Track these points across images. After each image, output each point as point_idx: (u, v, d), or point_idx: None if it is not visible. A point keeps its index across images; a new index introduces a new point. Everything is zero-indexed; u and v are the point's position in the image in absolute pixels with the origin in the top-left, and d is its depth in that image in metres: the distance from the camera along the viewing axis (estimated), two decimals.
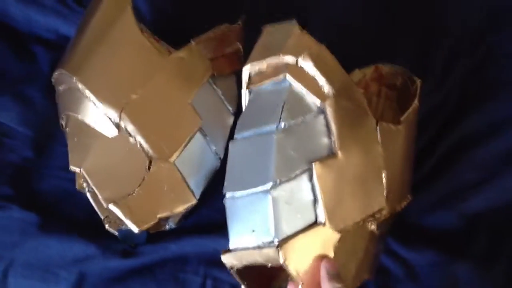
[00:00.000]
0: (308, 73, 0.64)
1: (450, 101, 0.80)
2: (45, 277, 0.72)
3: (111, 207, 0.67)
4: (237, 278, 0.63)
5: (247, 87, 0.67)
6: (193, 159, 0.71)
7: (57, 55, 0.79)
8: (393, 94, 0.78)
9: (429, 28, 0.85)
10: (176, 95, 0.70)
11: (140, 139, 0.68)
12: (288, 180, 0.60)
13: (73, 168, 0.69)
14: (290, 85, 0.64)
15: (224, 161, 0.73)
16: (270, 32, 0.69)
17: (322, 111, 0.63)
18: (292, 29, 0.67)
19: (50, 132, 0.79)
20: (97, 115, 0.68)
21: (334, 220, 0.61)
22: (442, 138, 0.78)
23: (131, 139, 0.68)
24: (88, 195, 0.72)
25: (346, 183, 0.63)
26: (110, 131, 0.68)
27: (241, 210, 0.62)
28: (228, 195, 0.63)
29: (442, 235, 0.74)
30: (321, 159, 0.61)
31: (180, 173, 0.69)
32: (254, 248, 0.60)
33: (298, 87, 0.64)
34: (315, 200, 0.61)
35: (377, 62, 0.77)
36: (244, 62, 0.73)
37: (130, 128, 0.67)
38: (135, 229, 0.67)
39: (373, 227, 0.65)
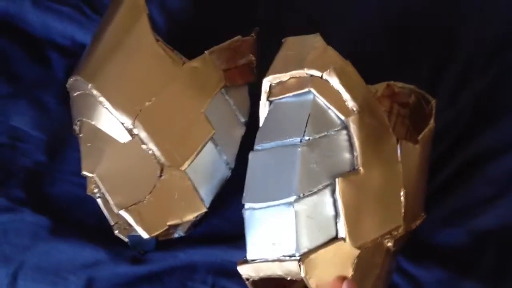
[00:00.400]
0: (332, 87, 0.64)
1: (463, 118, 0.81)
2: (55, 281, 0.72)
3: (122, 213, 0.67)
4: None
5: (268, 98, 0.67)
6: (204, 168, 0.71)
7: (72, 61, 0.81)
8: (405, 111, 0.78)
9: (444, 42, 0.86)
10: (189, 104, 0.70)
11: (152, 146, 0.68)
12: (311, 194, 0.60)
13: (85, 173, 0.70)
14: (314, 98, 0.64)
15: (234, 171, 0.74)
16: (292, 44, 0.69)
17: (345, 126, 0.63)
18: (316, 43, 0.67)
19: (63, 137, 0.80)
20: (111, 121, 0.69)
21: (354, 236, 0.61)
22: (454, 154, 0.78)
23: (143, 146, 0.68)
24: (99, 201, 0.72)
25: (366, 199, 0.63)
26: (123, 138, 0.68)
27: (261, 221, 0.62)
28: (247, 205, 0.63)
29: (451, 252, 0.74)
30: (344, 175, 0.62)
31: (191, 181, 0.70)
32: (274, 260, 0.60)
33: (322, 101, 0.64)
34: (336, 215, 0.61)
35: (390, 77, 0.77)
36: (257, 74, 0.75)
37: (143, 135, 0.68)
38: (145, 236, 0.68)
39: (389, 244, 0.66)
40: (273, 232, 0.61)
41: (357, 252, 0.61)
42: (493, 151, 0.78)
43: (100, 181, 0.69)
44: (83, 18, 0.86)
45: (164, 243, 0.75)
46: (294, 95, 0.65)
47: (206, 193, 0.72)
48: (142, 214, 0.67)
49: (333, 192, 0.61)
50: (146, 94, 0.69)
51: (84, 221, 0.76)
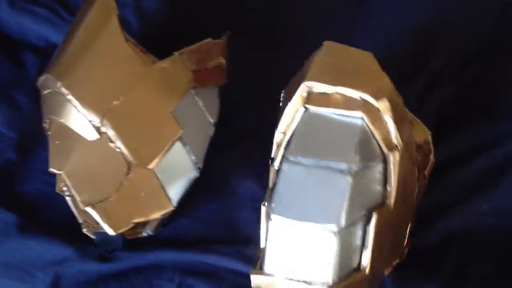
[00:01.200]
0: (382, 118, 0.62)
1: (428, 125, 0.82)
2: (22, 277, 0.73)
3: (88, 209, 0.68)
4: None
5: (305, 104, 0.63)
6: (172, 168, 0.72)
7: (46, 61, 0.81)
8: None
9: (414, 52, 0.87)
10: (157, 103, 0.71)
11: (120, 144, 0.69)
12: (350, 224, 0.60)
13: (53, 170, 0.70)
14: (364, 125, 0.61)
15: (203, 171, 0.75)
16: (336, 53, 0.66)
17: (384, 159, 0.62)
18: (371, 64, 0.65)
19: (34, 136, 0.80)
20: (79, 119, 0.69)
21: (374, 267, 0.62)
22: None
23: (111, 145, 0.69)
24: (68, 199, 0.73)
25: (389, 233, 0.64)
26: (92, 136, 0.69)
27: (292, 239, 0.61)
28: (277, 218, 0.61)
29: (414, 254, 0.75)
30: (379, 208, 0.62)
31: (159, 180, 0.70)
32: (300, 281, 0.61)
33: (370, 129, 0.61)
34: (362, 246, 0.62)
35: None
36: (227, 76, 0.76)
37: (111, 133, 0.69)
38: (110, 232, 0.68)
39: (387, 272, 0.68)
40: (304, 253, 0.61)
41: (370, 280, 0.63)
42: (458, 158, 0.80)
43: (67, 178, 0.69)
44: (58, 20, 0.88)
45: (132, 242, 0.75)
46: (340, 114, 0.62)
47: (174, 192, 0.72)
48: (108, 211, 0.68)
49: (365, 224, 0.61)
50: (115, 93, 0.70)
51: (53, 219, 0.77)
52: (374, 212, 0.61)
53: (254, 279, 0.62)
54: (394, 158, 0.62)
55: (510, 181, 0.79)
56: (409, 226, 0.69)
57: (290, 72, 0.82)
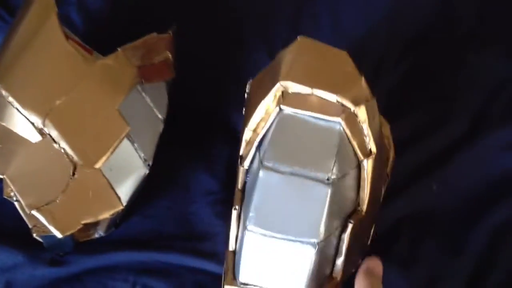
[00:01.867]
0: (358, 123, 0.61)
1: None
2: None
3: (34, 213, 0.67)
4: None
5: (279, 103, 0.61)
6: (120, 166, 0.71)
7: None
8: None
9: (356, 40, 0.87)
10: (102, 101, 0.70)
11: (64, 145, 0.67)
12: (328, 235, 0.60)
13: None
14: (342, 131, 0.60)
15: (153, 168, 0.74)
16: (311, 50, 0.64)
17: (358, 165, 0.61)
18: (346, 65, 0.63)
19: None
20: (21, 122, 0.68)
21: (345, 272, 0.63)
22: None
23: (55, 146, 0.68)
24: (16, 204, 0.71)
25: (358, 237, 0.64)
26: (35, 138, 0.68)
27: (268, 250, 0.61)
28: (254, 229, 0.60)
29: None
30: (353, 216, 0.62)
31: (106, 179, 0.69)
32: None
33: (348, 135, 0.60)
34: (336, 255, 0.62)
35: None
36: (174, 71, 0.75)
37: (54, 134, 0.67)
38: (58, 235, 0.67)
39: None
40: (281, 265, 0.61)
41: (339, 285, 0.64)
42: (401, 145, 0.79)
43: (11, 182, 0.67)
44: (1, 23, 0.85)
45: (84, 244, 0.74)
46: (317, 118, 0.60)
47: (123, 191, 0.71)
48: (54, 213, 0.66)
49: (340, 232, 0.61)
50: (57, 92, 0.68)
51: (1, 225, 0.75)
52: (349, 221, 0.61)
53: None
54: (368, 165, 0.61)
55: (458, 160, 0.80)
56: (373, 225, 0.69)
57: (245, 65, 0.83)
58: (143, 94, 0.74)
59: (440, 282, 0.74)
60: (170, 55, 0.76)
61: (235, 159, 0.79)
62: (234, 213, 0.64)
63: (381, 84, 0.84)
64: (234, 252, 0.66)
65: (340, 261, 0.62)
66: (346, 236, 0.61)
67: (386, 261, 0.72)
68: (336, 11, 0.89)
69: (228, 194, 0.77)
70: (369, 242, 0.71)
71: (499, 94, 0.84)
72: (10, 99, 0.68)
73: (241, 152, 0.65)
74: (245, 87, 0.72)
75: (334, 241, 0.61)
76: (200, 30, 0.86)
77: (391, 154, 0.72)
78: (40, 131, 0.67)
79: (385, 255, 0.72)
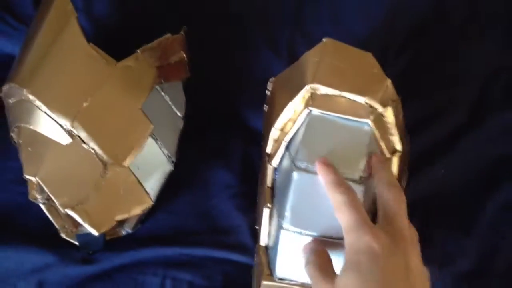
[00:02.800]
0: (386, 123, 0.62)
1: None
2: None
3: (69, 212, 0.68)
4: None
5: (308, 105, 0.62)
6: (146, 163, 0.73)
7: (2, 73, 0.80)
8: None
9: (357, 35, 0.90)
10: (125, 101, 0.72)
11: (93, 145, 0.69)
12: None
13: (28, 177, 0.70)
14: (371, 132, 0.61)
15: (177, 164, 0.76)
16: (336, 53, 0.65)
17: None
18: (372, 66, 0.64)
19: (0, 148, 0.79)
20: (49, 124, 0.69)
21: None
22: None
23: (85, 146, 0.69)
24: (43, 206, 0.73)
25: None
26: (64, 140, 0.69)
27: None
28: (290, 227, 0.61)
29: None
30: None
31: (135, 176, 0.71)
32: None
33: (377, 137, 0.62)
34: None
35: None
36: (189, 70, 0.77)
37: (83, 135, 0.69)
38: (94, 233, 0.68)
39: None
40: None
41: None
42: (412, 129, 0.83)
43: (43, 184, 0.69)
44: (9, 29, 0.86)
45: (112, 242, 0.76)
46: (346, 119, 0.62)
47: (151, 187, 0.73)
48: (89, 211, 0.68)
49: None
50: (82, 95, 0.70)
51: (28, 227, 0.76)
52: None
53: (266, 286, 0.64)
54: (393, 162, 0.64)
55: (462, 145, 0.83)
56: None
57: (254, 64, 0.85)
58: (163, 93, 0.77)
59: (452, 260, 0.78)
60: (184, 55, 0.78)
61: (249, 153, 0.82)
62: (266, 211, 0.66)
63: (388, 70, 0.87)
64: (266, 247, 0.68)
65: None
66: None
67: None
68: (337, 8, 0.92)
69: (245, 187, 0.80)
70: None
71: (495, 81, 0.88)
72: (38, 103, 0.69)
73: (268, 150, 0.67)
74: (259, 84, 0.76)
75: None
76: (207, 33, 0.88)
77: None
78: (70, 133, 0.69)
79: None
